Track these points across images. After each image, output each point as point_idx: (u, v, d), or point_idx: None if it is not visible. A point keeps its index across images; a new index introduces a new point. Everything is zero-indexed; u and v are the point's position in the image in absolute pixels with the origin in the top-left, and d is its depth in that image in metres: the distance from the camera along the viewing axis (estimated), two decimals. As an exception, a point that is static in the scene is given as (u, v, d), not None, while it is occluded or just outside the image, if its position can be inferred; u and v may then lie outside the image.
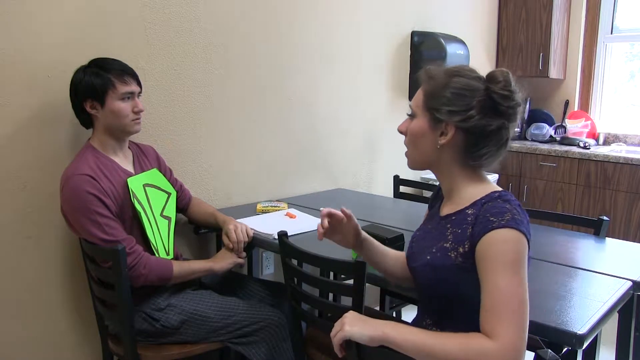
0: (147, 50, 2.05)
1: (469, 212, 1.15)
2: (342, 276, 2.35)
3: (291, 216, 2.17)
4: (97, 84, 1.65)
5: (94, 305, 1.84)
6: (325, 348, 1.70)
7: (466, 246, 1.12)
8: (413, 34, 3.31)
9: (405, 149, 1.27)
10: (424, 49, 3.28)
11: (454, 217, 1.20)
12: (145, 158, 1.89)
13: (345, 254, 1.70)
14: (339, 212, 1.33)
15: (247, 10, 2.39)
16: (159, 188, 1.86)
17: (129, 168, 1.79)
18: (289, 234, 1.67)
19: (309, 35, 2.69)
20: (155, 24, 2.07)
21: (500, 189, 1.20)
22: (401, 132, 1.26)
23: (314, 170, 2.82)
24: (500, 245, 1.05)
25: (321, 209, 1.37)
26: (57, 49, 1.82)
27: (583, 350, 1.28)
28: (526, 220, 1.12)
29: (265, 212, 2.26)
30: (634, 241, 2.37)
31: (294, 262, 1.69)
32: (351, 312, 1.14)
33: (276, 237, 1.70)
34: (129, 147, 1.83)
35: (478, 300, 1.06)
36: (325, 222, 1.33)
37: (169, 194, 1.90)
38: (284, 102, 2.63)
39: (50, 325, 1.90)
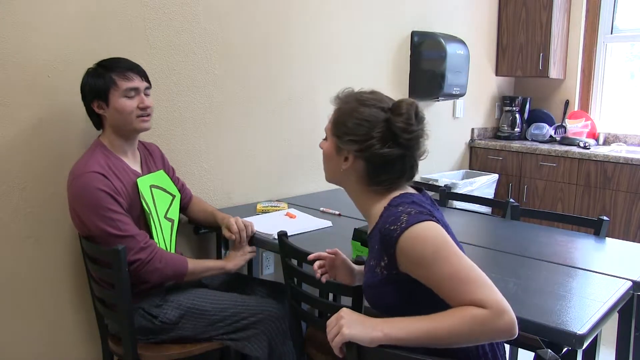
0: (147, 50, 2.05)
1: (377, 228, 1.19)
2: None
3: (291, 216, 2.17)
4: (100, 84, 1.67)
5: (94, 305, 1.84)
6: (325, 348, 1.70)
7: (385, 259, 1.15)
8: (413, 34, 3.31)
9: None
10: (424, 49, 3.28)
11: (371, 236, 1.25)
12: (151, 157, 1.89)
13: (346, 254, 1.70)
14: (324, 254, 1.43)
15: (247, 11, 2.39)
16: (164, 190, 1.86)
17: (137, 168, 1.79)
18: (289, 234, 1.67)
19: (309, 35, 2.69)
20: (155, 24, 2.07)
21: (402, 191, 1.23)
22: (320, 148, 1.35)
23: (314, 170, 2.82)
24: (416, 247, 1.07)
25: (308, 257, 1.45)
26: (57, 49, 1.82)
27: (583, 350, 1.28)
28: (425, 209, 1.14)
29: (265, 212, 2.26)
30: (634, 241, 2.38)
31: (294, 262, 1.69)
32: (346, 310, 1.12)
33: (276, 237, 1.70)
34: (137, 148, 1.83)
35: (421, 300, 1.10)
36: (316, 266, 1.42)
37: (174, 197, 1.90)
38: (284, 102, 2.63)
39: (50, 325, 1.90)
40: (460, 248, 1.14)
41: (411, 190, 1.26)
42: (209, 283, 1.94)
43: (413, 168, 1.24)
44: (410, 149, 1.21)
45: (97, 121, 1.75)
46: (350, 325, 1.08)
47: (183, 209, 2.02)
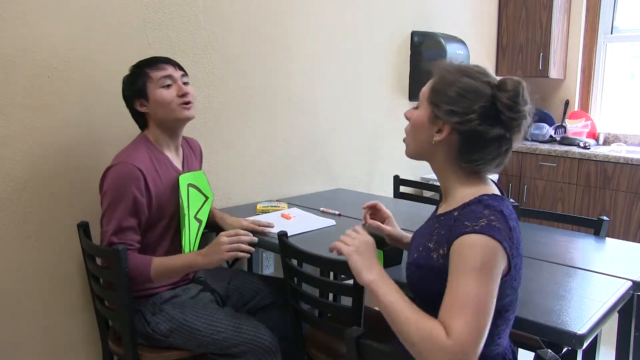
0: (147, 50, 2.05)
1: (455, 214, 1.14)
2: (342, 276, 2.34)
3: (286, 217, 2.16)
4: (136, 82, 1.69)
5: (94, 305, 1.84)
6: (325, 348, 1.70)
7: (445, 249, 1.11)
8: (413, 34, 3.31)
9: (404, 136, 1.27)
10: (424, 49, 3.28)
11: (442, 218, 1.19)
12: (193, 155, 1.91)
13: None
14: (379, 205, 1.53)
15: (247, 11, 2.39)
16: (200, 190, 1.86)
17: (179, 165, 1.79)
18: (292, 234, 1.67)
19: (309, 35, 2.69)
20: (155, 24, 2.07)
21: (492, 192, 1.16)
22: (406, 118, 1.25)
23: (313, 170, 2.82)
24: (468, 250, 1.04)
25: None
26: (57, 49, 1.82)
27: (583, 350, 1.28)
28: (507, 227, 1.07)
29: (265, 212, 2.26)
30: (634, 241, 2.38)
31: (294, 262, 1.69)
32: (369, 242, 1.19)
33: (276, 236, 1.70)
34: (181, 144, 1.83)
35: None
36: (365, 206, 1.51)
37: (207, 198, 1.89)
38: (284, 102, 2.63)
39: (50, 325, 1.90)
40: (520, 268, 1.13)
41: (497, 191, 1.19)
42: (211, 283, 1.90)
43: (507, 153, 1.16)
44: (511, 130, 1.12)
45: (142, 122, 1.76)
46: (359, 252, 1.17)
47: None
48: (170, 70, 1.70)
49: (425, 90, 1.21)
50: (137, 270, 1.59)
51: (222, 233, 1.65)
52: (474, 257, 1.02)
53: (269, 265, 2.60)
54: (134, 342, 1.66)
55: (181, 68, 1.76)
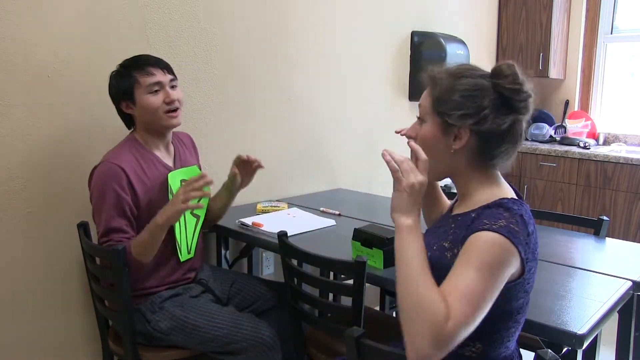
0: (147, 50, 2.05)
1: (473, 215, 1.12)
2: (342, 276, 2.35)
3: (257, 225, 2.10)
4: (123, 84, 1.68)
5: (94, 305, 1.84)
6: (325, 348, 1.70)
7: (460, 247, 1.09)
8: (413, 34, 3.31)
9: (409, 151, 1.19)
10: (424, 49, 3.28)
11: (459, 218, 1.18)
12: (185, 149, 1.90)
13: (346, 254, 1.70)
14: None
15: (247, 10, 2.39)
16: None
17: (169, 162, 1.79)
18: (291, 234, 1.67)
19: (309, 35, 2.69)
20: (155, 24, 2.07)
21: (511, 196, 1.15)
22: (410, 137, 1.20)
23: (314, 170, 2.82)
24: (482, 244, 1.02)
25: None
26: (57, 49, 1.82)
27: (583, 350, 1.28)
28: (526, 232, 1.06)
29: (265, 212, 2.26)
30: (634, 241, 2.37)
31: (294, 262, 1.69)
32: (423, 182, 1.09)
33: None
34: (171, 141, 1.83)
35: None
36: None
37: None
38: (284, 102, 2.63)
39: (50, 325, 1.90)
40: (535, 272, 1.11)
41: (514, 195, 1.17)
42: (212, 285, 1.91)
43: (522, 135, 1.15)
44: (522, 110, 1.11)
45: (128, 121, 1.76)
46: (412, 194, 1.08)
47: None
48: (159, 75, 1.68)
49: (425, 103, 1.18)
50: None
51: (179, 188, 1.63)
52: (487, 253, 1.01)
53: (269, 265, 2.60)
54: (134, 341, 1.66)
55: (170, 70, 1.73)
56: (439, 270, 1.11)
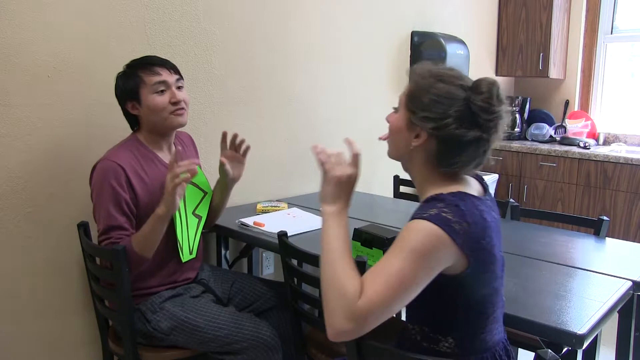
0: (147, 50, 2.05)
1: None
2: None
3: (259, 225, 2.08)
4: (128, 84, 1.67)
5: (94, 305, 1.84)
6: (325, 348, 1.70)
7: None
8: (413, 34, 3.31)
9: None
10: (424, 49, 3.28)
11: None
12: (185, 148, 1.90)
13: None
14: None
15: (247, 10, 2.39)
16: (196, 186, 1.85)
17: None
18: (291, 234, 1.67)
19: (309, 35, 2.69)
20: (155, 24, 2.07)
21: (462, 190, 1.15)
22: (387, 122, 1.27)
23: (314, 170, 2.81)
24: (409, 232, 1.05)
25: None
26: (57, 49, 1.82)
27: (583, 350, 1.28)
28: (462, 221, 1.06)
29: (265, 212, 2.26)
30: (634, 241, 2.37)
31: (294, 262, 1.69)
32: (352, 175, 1.19)
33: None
34: (174, 142, 1.83)
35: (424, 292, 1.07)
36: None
37: (205, 194, 1.89)
38: (284, 103, 2.63)
39: (50, 325, 1.90)
40: (492, 263, 1.12)
41: (468, 189, 1.18)
42: (213, 286, 1.90)
43: (486, 153, 1.17)
44: (488, 131, 1.13)
45: (133, 122, 1.76)
46: (339, 184, 1.18)
47: None
48: (165, 75, 1.68)
49: (402, 96, 1.22)
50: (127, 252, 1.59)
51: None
52: (411, 238, 1.04)
53: (269, 265, 2.60)
54: (134, 341, 1.66)
55: (176, 71, 1.73)
56: None
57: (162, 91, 1.67)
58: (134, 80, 1.66)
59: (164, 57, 2.06)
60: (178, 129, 1.82)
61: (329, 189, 1.19)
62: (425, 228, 1.04)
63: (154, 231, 1.59)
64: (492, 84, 1.12)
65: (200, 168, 1.92)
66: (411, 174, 1.24)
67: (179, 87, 1.72)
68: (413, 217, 1.08)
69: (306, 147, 2.76)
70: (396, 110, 1.24)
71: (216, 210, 1.97)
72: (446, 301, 1.12)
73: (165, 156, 1.78)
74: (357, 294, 1.02)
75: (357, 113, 3.02)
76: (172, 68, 1.72)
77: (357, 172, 1.20)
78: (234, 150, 1.89)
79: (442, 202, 1.09)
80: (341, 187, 1.18)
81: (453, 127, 1.11)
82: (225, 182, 1.89)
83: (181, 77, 1.74)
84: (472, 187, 1.20)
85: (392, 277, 1.02)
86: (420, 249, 1.03)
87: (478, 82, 1.14)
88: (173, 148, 1.82)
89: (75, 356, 1.98)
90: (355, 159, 1.21)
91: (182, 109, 1.71)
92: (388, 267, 1.03)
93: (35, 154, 1.80)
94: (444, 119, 1.11)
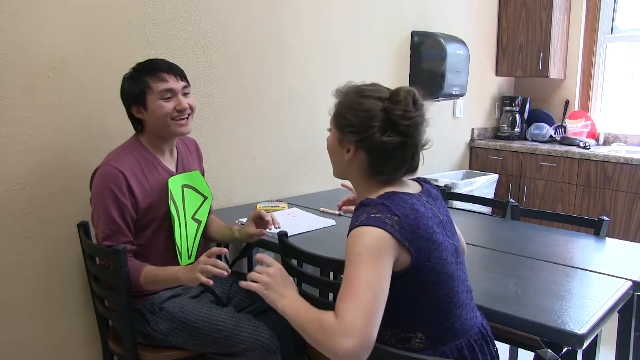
0: (147, 50, 2.05)
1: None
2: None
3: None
4: (135, 89, 1.67)
5: (94, 305, 1.84)
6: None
7: None
8: (413, 34, 3.31)
9: None
10: (424, 49, 3.28)
11: None
12: (189, 154, 1.89)
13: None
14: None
15: (247, 11, 2.39)
16: (196, 190, 1.85)
17: (172, 167, 1.79)
18: (291, 234, 1.67)
19: (309, 35, 2.69)
20: (155, 24, 2.07)
21: (392, 190, 1.22)
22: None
23: (314, 170, 2.82)
24: (350, 242, 1.12)
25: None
26: (57, 49, 1.82)
27: (583, 350, 1.28)
28: (390, 216, 1.13)
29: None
30: (634, 241, 2.38)
31: (294, 262, 1.69)
32: (277, 273, 1.23)
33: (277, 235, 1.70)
34: (176, 146, 1.83)
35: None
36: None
37: (205, 198, 1.88)
38: (284, 102, 2.63)
39: (50, 326, 1.90)
40: (437, 250, 1.17)
41: (403, 188, 1.25)
42: (213, 286, 1.88)
43: (415, 157, 1.24)
44: (410, 136, 1.20)
45: (137, 124, 1.76)
46: (269, 288, 1.21)
47: None
48: (171, 82, 1.67)
49: (331, 116, 1.31)
50: (130, 276, 1.61)
51: (204, 253, 1.59)
52: (355, 245, 1.10)
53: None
54: (134, 341, 1.66)
55: (183, 77, 1.72)
56: None
57: (168, 98, 1.67)
58: (141, 85, 1.66)
59: (163, 57, 2.07)
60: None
61: (268, 298, 1.22)
62: (362, 232, 1.11)
63: (166, 283, 1.64)
64: (407, 92, 1.21)
65: (202, 173, 1.91)
66: (354, 186, 1.33)
67: (185, 94, 1.72)
68: (349, 230, 1.14)
69: (306, 146, 2.76)
70: (329, 130, 1.33)
71: (216, 240, 1.99)
72: (404, 298, 1.17)
73: (167, 160, 1.77)
74: (332, 316, 1.05)
75: (357, 113, 3.02)
76: (179, 74, 1.71)
77: (275, 269, 1.25)
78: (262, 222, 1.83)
79: (368, 206, 1.16)
80: (272, 288, 1.22)
81: (377, 137, 1.19)
82: (238, 238, 1.88)
83: (188, 84, 1.74)
84: (410, 188, 1.27)
85: (357, 286, 1.06)
86: (368, 251, 1.09)
87: (395, 92, 1.22)
88: (175, 152, 1.83)
89: (75, 356, 1.98)
90: (269, 261, 1.28)
91: (187, 117, 1.72)
92: (348, 280, 1.08)
93: (35, 154, 1.80)
94: (366, 130, 1.20)
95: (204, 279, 1.52)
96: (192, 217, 1.82)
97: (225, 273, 1.55)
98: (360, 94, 1.25)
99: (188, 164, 1.87)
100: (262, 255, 1.33)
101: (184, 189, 1.79)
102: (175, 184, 1.75)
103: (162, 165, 1.75)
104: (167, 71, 1.68)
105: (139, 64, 1.72)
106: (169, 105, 1.67)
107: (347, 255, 1.11)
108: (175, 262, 1.77)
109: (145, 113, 1.68)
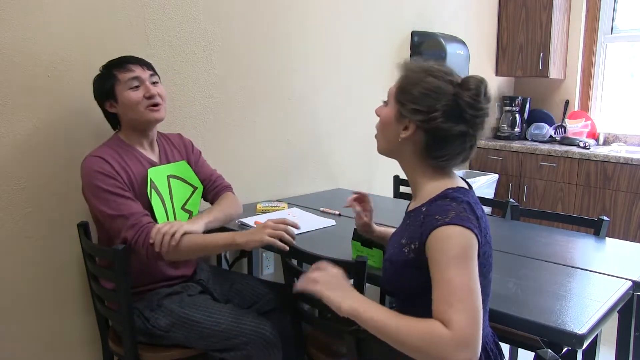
0: (147, 50, 2.05)
1: (423, 209, 1.18)
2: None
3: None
4: (104, 84, 1.69)
5: (94, 305, 1.84)
6: (325, 348, 1.70)
7: (416, 243, 1.14)
8: (413, 34, 3.31)
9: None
10: (424, 49, 3.28)
11: (412, 214, 1.23)
12: (173, 148, 1.89)
13: (345, 254, 1.70)
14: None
15: (247, 11, 2.39)
16: (184, 181, 1.85)
17: (154, 158, 1.79)
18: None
19: (309, 35, 2.69)
20: (155, 24, 2.07)
21: (458, 185, 1.21)
22: (377, 115, 1.30)
23: (314, 170, 2.82)
24: (445, 241, 1.07)
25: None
26: (57, 49, 1.82)
27: (583, 350, 1.28)
28: (475, 216, 1.12)
29: (265, 212, 2.26)
30: (634, 241, 2.37)
31: (294, 262, 1.69)
32: (329, 271, 1.19)
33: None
34: (156, 140, 1.83)
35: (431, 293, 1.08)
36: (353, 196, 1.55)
37: (195, 188, 1.88)
38: (284, 102, 2.63)
39: (50, 325, 1.90)
40: (490, 256, 1.16)
41: (464, 184, 1.24)
42: (212, 287, 1.89)
43: (472, 148, 1.21)
44: (474, 126, 1.17)
45: (114, 122, 1.78)
46: (329, 286, 1.15)
47: (211, 202, 1.96)
48: (138, 71, 1.69)
49: (392, 88, 1.25)
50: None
51: (269, 219, 1.63)
52: (452, 247, 1.06)
53: (269, 265, 2.60)
54: (134, 341, 1.66)
55: (150, 67, 1.74)
56: (400, 266, 1.18)
57: (136, 87, 1.69)
58: (109, 80, 1.69)
59: (163, 57, 2.07)
60: (166, 132, 1.82)
61: (330, 298, 1.14)
62: (457, 233, 1.07)
63: (217, 249, 1.65)
64: (480, 81, 1.17)
65: (190, 163, 1.90)
66: (402, 166, 1.29)
67: (153, 83, 1.73)
68: (435, 224, 1.10)
69: (306, 147, 2.76)
70: (386, 103, 1.27)
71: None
72: None
73: (147, 152, 1.78)
74: (442, 326, 1.00)
75: (356, 113, 3.02)
76: (146, 65, 1.74)
77: (336, 270, 1.20)
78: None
79: (454, 202, 1.13)
80: (335, 288, 1.16)
81: (440, 121, 1.15)
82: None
83: (155, 73, 1.76)
84: (460, 182, 1.25)
85: (461, 292, 1.02)
86: (465, 252, 1.06)
87: (467, 79, 1.18)
88: (156, 146, 1.83)
89: (75, 356, 1.98)
90: (323, 264, 1.23)
91: (158, 103, 1.72)
92: (451, 286, 1.03)
93: (35, 154, 1.80)
94: (432, 112, 1.15)
95: (272, 239, 1.51)
96: (182, 208, 1.83)
97: (287, 247, 1.55)
98: (430, 72, 1.18)
99: (173, 157, 1.86)
100: (321, 264, 1.25)
101: (170, 179, 1.79)
102: (158, 174, 1.75)
103: (143, 156, 1.76)
104: (134, 62, 1.71)
105: (107, 62, 1.73)
106: (137, 94, 1.68)
107: (439, 255, 1.07)
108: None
109: (117, 106, 1.70)
